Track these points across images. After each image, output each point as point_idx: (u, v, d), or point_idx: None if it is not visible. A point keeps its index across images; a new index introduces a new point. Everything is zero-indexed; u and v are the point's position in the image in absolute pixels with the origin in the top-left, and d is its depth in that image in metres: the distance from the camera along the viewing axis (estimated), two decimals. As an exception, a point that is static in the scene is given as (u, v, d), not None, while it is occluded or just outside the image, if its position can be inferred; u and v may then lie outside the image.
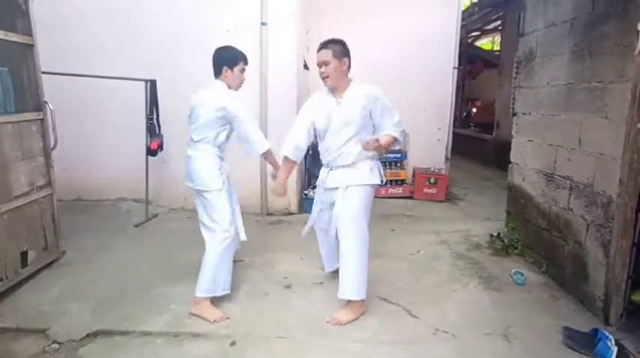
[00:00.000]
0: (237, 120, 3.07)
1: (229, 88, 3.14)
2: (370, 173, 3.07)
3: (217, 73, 3.14)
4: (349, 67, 3.06)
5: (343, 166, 3.08)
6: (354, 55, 3.09)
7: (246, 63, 3.21)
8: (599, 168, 3.13)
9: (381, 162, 6.45)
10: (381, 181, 3.21)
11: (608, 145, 3.03)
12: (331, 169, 3.15)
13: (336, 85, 3.04)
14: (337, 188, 3.08)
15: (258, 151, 3.18)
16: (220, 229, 3.08)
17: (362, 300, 3.07)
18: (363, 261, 3.05)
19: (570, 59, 3.50)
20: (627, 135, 2.83)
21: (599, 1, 3.17)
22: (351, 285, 3.03)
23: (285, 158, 3.11)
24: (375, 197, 6.26)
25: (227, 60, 3.12)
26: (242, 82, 3.23)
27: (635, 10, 2.77)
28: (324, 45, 3.01)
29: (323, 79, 3.04)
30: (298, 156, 3.13)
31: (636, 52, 2.74)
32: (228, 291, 3.20)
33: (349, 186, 3.03)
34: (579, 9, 3.39)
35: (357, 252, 3.03)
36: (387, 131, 3.00)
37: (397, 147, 3.23)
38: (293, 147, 3.07)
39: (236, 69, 3.14)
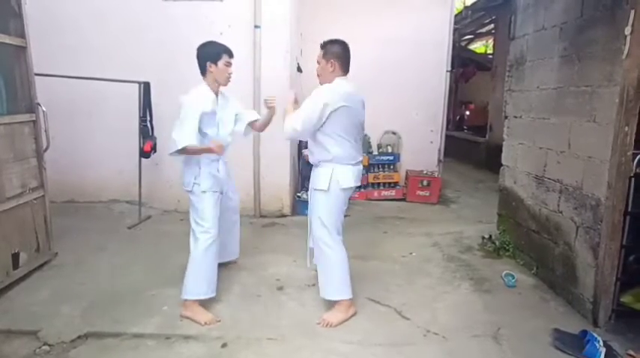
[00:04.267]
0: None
1: (218, 85, 3.14)
2: (323, 178, 3.04)
3: (203, 71, 3.12)
4: (342, 68, 3.07)
5: (314, 166, 3.17)
6: (348, 58, 3.14)
7: (230, 56, 3.15)
8: (587, 171, 3.17)
9: (375, 164, 6.62)
10: (348, 185, 3.07)
11: (596, 148, 3.06)
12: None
13: (324, 84, 3.12)
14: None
15: (170, 150, 3.02)
16: (199, 231, 3.09)
17: (349, 300, 3.10)
18: (331, 264, 3.08)
19: (560, 63, 3.54)
20: (615, 139, 2.87)
21: (587, 6, 3.21)
22: (325, 287, 3.12)
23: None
24: (368, 199, 6.46)
25: (209, 55, 3.09)
26: (230, 76, 3.17)
27: (622, 15, 2.81)
28: (321, 45, 3.11)
29: (317, 76, 3.17)
30: None
31: (624, 57, 2.78)
32: (213, 295, 3.17)
33: (313, 189, 3.12)
34: (569, 14, 3.43)
35: (322, 255, 3.11)
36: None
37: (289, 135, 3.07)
38: None
39: (220, 63, 3.09)
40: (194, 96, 3.05)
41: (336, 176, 3.02)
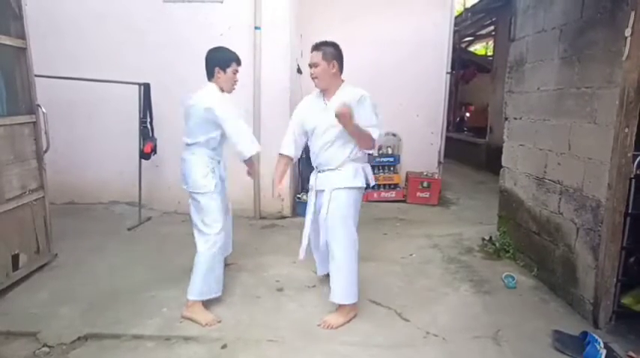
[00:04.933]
0: (224, 124, 3.05)
1: (222, 90, 3.14)
2: (354, 175, 3.03)
3: (210, 75, 3.14)
4: (340, 69, 3.07)
5: (330, 169, 3.08)
6: (347, 60, 3.11)
7: (239, 64, 3.21)
8: (588, 173, 3.17)
9: (374, 165, 6.61)
10: (367, 184, 3.16)
11: (596, 150, 3.06)
12: (319, 172, 3.18)
13: (325, 87, 3.08)
14: (324, 191, 3.09)
15: (244, 156, 3.16)
16: (212, 233, 3.09)
17: (352, 304, 3.08)
18: (352, 264, 3.06)
19: (560, 65, 3.54)
20: (615, 140, 2.86)
21: (587, 8, 3.21)
22: (342, 290, 3.05)
23: (280, 155, 3.29)
24: (368, 201, 6.49)
25: (219, 61, 3.11)
26: (235, 84, 3.23)
27: (622, 16, 2.81)
28: (316, 47, 3.05)
29: (313, 79, 3.09)
30: (293, 154, 3.30)
31: (624, 58, 2.78)
32: (219, 294, 3.20)
33: (334, 189, 3.04)
34: (568, 15, 3.43)
35: (346, 256, 3.04)
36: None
37: (370, 151, 3.11)
38: (283, 149, 3.28)
39: (229, 70, 3.13)
40: (227, 100, 3.12)
41: (367, 174, 3.10)
